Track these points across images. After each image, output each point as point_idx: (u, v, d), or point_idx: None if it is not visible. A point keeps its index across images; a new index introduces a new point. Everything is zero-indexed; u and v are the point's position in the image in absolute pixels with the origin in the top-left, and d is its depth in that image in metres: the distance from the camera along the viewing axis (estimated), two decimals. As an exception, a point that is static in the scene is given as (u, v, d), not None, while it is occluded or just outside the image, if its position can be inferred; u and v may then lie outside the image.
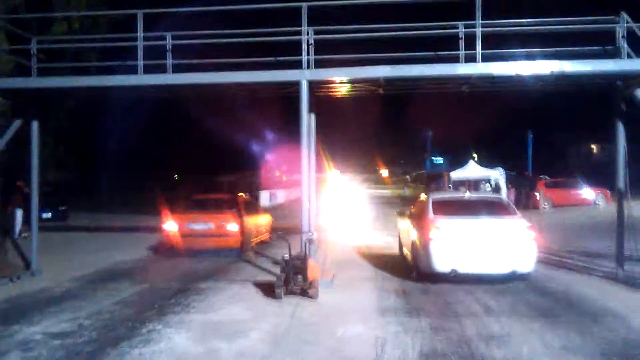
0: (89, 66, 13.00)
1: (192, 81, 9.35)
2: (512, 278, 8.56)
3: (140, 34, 9.44)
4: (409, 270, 9.63)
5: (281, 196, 42.19)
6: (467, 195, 10.10)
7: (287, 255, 8.01)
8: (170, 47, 9.63)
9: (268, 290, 8.04)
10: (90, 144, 34.83)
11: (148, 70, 9.55)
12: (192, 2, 11.82)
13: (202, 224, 12.21)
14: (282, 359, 5.26)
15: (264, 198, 36.99)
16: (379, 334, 6.01)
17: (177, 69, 9.60)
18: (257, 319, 6.65)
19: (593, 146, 56.58)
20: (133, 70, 9.43)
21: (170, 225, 12.23)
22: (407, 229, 10.52)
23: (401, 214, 12.10)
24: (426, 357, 5.26)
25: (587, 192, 26.98)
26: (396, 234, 12.50)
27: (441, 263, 8.42)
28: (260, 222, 14.13)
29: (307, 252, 8.23)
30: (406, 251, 10.53)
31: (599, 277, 9.21)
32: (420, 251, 8.90)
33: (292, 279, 7.77)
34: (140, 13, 9.41)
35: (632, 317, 6.54)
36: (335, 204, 25.41)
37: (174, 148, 46.96)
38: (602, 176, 34.14)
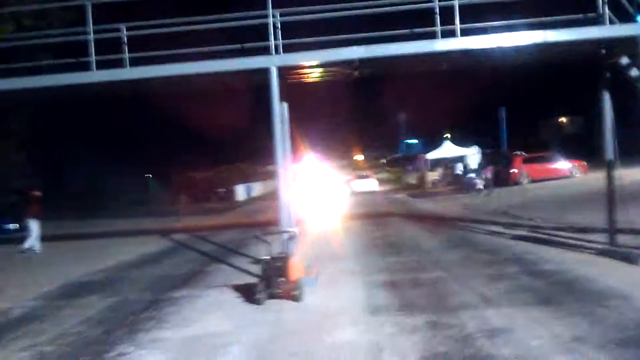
0: (41, 65, 12.11)
1: (151, 75, 8.61)
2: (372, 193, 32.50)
3: (90, 26, 8.68)
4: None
5: (259, 188, 41.54)
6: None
7: (267, 257, 7.42)
8: (125, 39, 8.90)
9: (248, 294, 7.44)
10: (54, 148, 33.52)
11: (105, 66, 8.81)
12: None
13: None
14: (268, 377, 4.70)
15: (240, 191, 36.29)
16: (372, 337, 5.50)
17: (138, 63, 8.89)
18: (237, 331, 6.06)
19: (563, 119, 57.20)
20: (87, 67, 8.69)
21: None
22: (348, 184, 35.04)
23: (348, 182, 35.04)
24: (427, 361, 4.77)
25: (563, 165, 27.06)
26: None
27: (354, 190, 33.44)
28: None
29: (288, 251, 7.66)
30: (349, 190, 33.42)
31: (593, 253, 8.86)
32: (350, 187, 34.21)
33: (273, 282, 7.19)
34: (88, 3, 8.65)
35: (637, 296, 6.16)
36: (313, 193, 24.89)
37: (146, 146, 45.66)
38: (574, 148, 34.57)
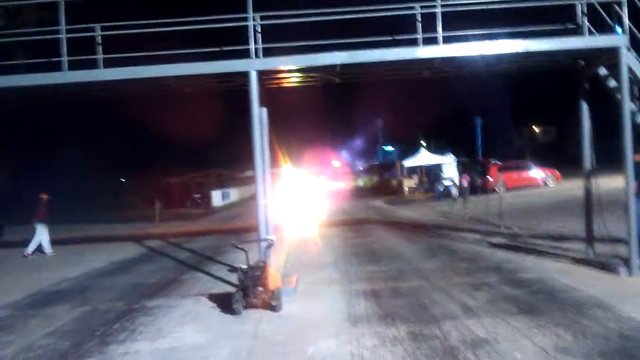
0: (12, 65, 11.70)
1: (126, 76, 8.30)
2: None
3: (62, 25, 8.37)
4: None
5: (237, 194, 41.13)
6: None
7: (244, 265, 7.21)
8: (100, 39, 8.61)
9: (225, 304, 7.22)
10: (24, 151, 32.60)
11: (78, 66, 8.50)
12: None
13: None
14: (247, 392, 4.51)
15: (216, 197, 35.84)
16: (354, 349, 5.34)
17: (113, 64, 8.60)
18: (214, 343, 5.84)
19: (536, 128, 58.33)
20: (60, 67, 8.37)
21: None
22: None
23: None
24: (411, 374, 4.64)
25: (537, 173, 27.46)
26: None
27: (327, 190, 41.01)
28: None
29: (267, 260, 7.47)
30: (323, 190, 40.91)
31: (572, 261, 8.88)
32: (324, 187, 43.46)
33: (251, 291, 6.98)
34: (61, 2, 8.35)
35: (619, 306, 6.15)
36: (291, 199, 24.66)
37: (120, 150, 44.89)
38: (547, 157, 35.19)
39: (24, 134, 33.79)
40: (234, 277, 8.51)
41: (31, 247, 14.16)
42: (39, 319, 7.52)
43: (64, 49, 8.29)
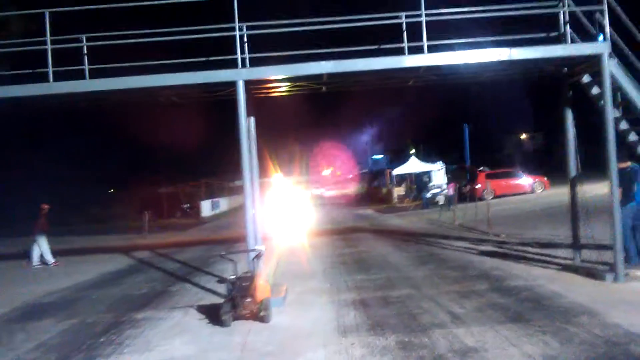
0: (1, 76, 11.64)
1: (112, 87, 8.27)
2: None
3: (48, 36, 8.33)
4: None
5: (226, 204, 41.00)
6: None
7: (233, 276, 7.17)
8: (86, 49, 8.58)
9: (214, 315, 7.16)
10: (10, 161, 32.22)
11: (63, 77, 8.46)
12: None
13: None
14: (235, 405, 4.46)
15: (206, 207, 35.67)
16: None
17: (98, 75, 8.56)
18: (203, 355, 5.80)
19: (524, 135, 58.86)
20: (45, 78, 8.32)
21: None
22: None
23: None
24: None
25: (525, 180, 27.67)
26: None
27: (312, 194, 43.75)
28: None
29: (255, 270, 7.43)
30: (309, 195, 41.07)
31: (559, 269, 8.95)
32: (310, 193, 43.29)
33: (239, 302, 6.94)
34: (46, 12, 8.31)
35: (605, 313, 6.19)
36: (280, 208, 24.62)
37: (108, 161, 44.55)
38: (535, 164, 35.50)
39: (10, 144, 33.44)
40: (222, 288, 8.45)
41: (49, 257, 14.12)
42: (25, 332, 7.41)
43: (50, 59, 8.25)
